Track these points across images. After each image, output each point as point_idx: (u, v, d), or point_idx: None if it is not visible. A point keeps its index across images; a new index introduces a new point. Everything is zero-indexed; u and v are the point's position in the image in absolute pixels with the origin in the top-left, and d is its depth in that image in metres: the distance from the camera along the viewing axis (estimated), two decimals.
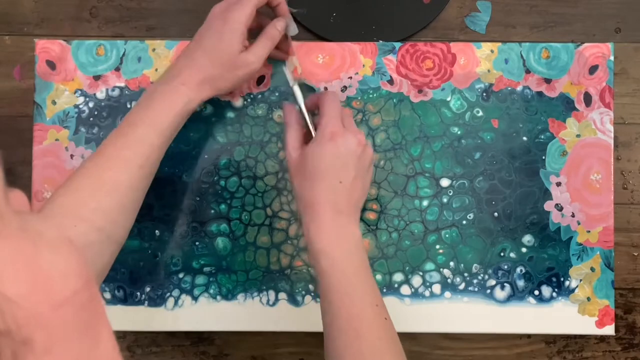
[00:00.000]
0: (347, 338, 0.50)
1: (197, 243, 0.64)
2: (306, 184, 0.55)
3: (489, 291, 0.64)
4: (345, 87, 0.64)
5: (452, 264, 0.64)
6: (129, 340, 0.65)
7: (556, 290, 0.64)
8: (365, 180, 0.57)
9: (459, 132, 0.64)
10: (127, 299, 0.64)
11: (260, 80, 0.64)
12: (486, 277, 0.64)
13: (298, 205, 0.56)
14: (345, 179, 0.54)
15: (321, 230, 0.53)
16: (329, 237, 0.53)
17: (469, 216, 0.64)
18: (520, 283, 0.64)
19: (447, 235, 0.64)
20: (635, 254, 0.66)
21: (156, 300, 0.64)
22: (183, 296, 0.64)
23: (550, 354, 0.66)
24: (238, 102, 0.64)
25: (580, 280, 0.63)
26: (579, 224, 0.64)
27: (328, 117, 0.55)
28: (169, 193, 0.64)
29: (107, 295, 0.63)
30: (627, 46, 0.66)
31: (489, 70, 0.64)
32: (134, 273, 0.63)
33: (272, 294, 0.64)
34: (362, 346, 0.50)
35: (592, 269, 0.63)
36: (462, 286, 0.64)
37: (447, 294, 0.64)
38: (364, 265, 0.54)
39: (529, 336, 0.65)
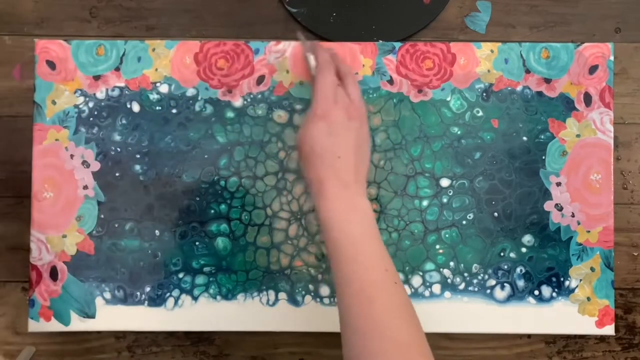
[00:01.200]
0: (360, 304, 0.51)
1: (197, 243, 0.64)
2: (308, 164, 0.56)
3: (488, 291, 0.64)
4: None
5: (452, 264, 0.64)
6: (129, 340, 0.65)
7: (556, 290, 0.64)
8: (365, 150, 0.57)
9: (459, 132, 0.64)
10: (126, 299, 0.64)
11: (260, 79, 0.64)
12: (486, 277, 0.64)
13: (307, 185, 0.57)
14: (343, 153, 0.55)
15: (329, 204, 0.54)
16: (338, 210, 0.54)
17: (469, 216, 0.64)
18: (520, 283, 0.64)
19: (447, 235, 0.64)
20: (635, 254, 0.66)
21: (156, 300, 0.63)
22: (183, 296, 0.63)
23: (550, 354, 0.66)
24: (238, 102, 0.64)
25: (580, 280, 0.63)
26: (578, 224, 0.64)
27: (318, 95, 0.56)
28: (168, 193, 0.64)
29: (107, 295, 0.63)
30: (627, 46, 0.66)
31: (489, 70, 0.64)
32: (133, 273, 0.63)
33: (272, 294, 0.64)
34: (375, 310, 0.50)
35: (592, 269, 0.63)
36: (462, 286, 0.64)
37: (447, 294, 0.64)
38: (374, 233, 0.54)
39: (529, 336, 0.65)
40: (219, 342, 0.66)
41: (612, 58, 0.64)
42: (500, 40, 0.66)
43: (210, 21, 0.66)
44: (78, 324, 0.63)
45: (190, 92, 0.64)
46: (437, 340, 0.65)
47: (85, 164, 0.64)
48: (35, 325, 0.63)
